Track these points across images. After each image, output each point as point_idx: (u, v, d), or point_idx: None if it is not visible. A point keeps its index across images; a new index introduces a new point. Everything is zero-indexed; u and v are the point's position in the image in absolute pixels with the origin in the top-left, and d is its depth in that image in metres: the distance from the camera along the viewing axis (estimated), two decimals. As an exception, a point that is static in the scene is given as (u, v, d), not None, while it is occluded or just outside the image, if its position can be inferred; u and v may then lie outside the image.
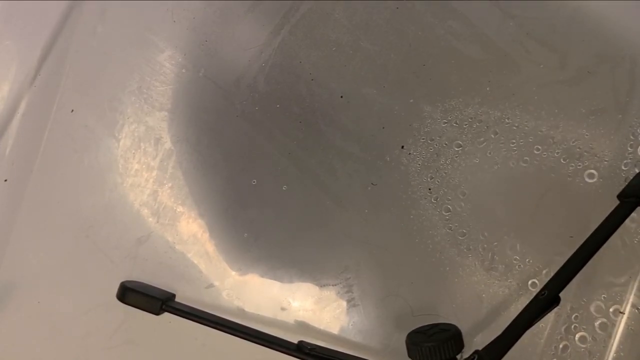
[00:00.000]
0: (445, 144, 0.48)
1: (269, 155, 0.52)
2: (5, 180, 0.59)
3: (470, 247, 0.46)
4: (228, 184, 0.52)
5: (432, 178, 0.48)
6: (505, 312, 0.45)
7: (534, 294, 0.40)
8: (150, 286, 0.51)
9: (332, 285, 0.49)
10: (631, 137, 0.44)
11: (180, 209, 0.53)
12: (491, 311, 0.45)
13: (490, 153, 0.47)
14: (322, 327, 0.49)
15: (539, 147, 0.46)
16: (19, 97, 0.60)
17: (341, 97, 0.51)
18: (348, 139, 0.50)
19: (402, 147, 0.49)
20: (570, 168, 0.45)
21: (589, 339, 0.43)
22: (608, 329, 0.43)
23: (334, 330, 0.49)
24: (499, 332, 0.39)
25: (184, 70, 0.55)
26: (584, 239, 0.40)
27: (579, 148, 0.45)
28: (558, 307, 0.40)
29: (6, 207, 0.58)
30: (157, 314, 0.48)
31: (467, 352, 0.40)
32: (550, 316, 0.44)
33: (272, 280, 0.50)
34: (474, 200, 0.47)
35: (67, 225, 0.56)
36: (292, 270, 0.50)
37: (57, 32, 0.60)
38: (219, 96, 0.54)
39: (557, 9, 0.47)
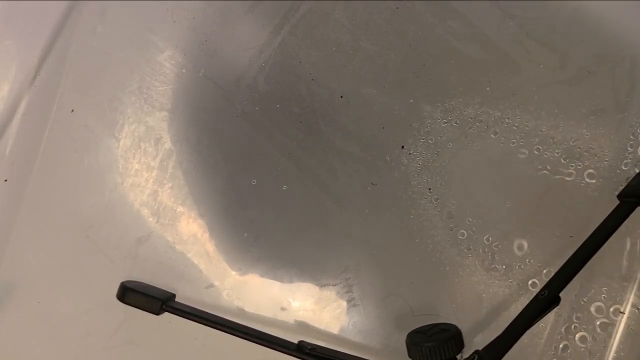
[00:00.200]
0: (446, 144, 0.48)
1: (269, 155, 0.52)
2: (5, 180, 0.59)
3: (470, 247, 0.46)
4: (228, 184, 0.52)
5: (432, 178, 0.48)
6: (505, 312, 0.45)
7: (534, 294, 0.40)
8: (150, 286, 0.51)
9: (332, 285, 0.49)
10: (631, 137, 0.44)
11: (180, 209, 0.53)
12: (491, 311, 0.45)
13: (490, 153, 0.47)
14: (322, 327, 0.49)
15: (539, 147, 0.46)
16: (19, 97, 0.60)
17: (341, 97, 0.51)
18: (348, 139, 0.50)
19: (402, 147, 0.49)
20: (570, 168, 0.45)
21: (589, 338, 0.43)
22: (608, 328, 0.43)
23: (334, 330, 0.49)
24: (499, 332, 0.39)
25: (184, 70, 0.55)
26: (584, 239, 0.40)
27: (579, 148, 0.45)
28: (558, 307, 0.40)
29: (6, 207, 0.58)
30: (157, 314, 0.48)
31: (467, 352, 0.40)
32: (550, 316, 0.44)
33: (272, 280, 0.50)
34: (474, 200, 0.47)
35: (67, 225, 0.56)
36: (292, 270, 0.50)
37: (57, 32, 0.60)
38: (219, 96, 0.54)
39: (557, 9, 0.47)
